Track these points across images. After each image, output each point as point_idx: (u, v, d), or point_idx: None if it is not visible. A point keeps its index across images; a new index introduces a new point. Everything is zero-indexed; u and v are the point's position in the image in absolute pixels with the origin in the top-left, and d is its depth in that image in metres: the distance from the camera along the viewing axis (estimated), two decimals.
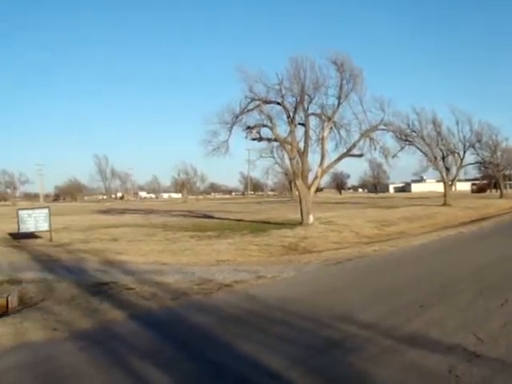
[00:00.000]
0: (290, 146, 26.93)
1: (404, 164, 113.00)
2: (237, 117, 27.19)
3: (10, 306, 9.65)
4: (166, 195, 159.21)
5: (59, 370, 5.22)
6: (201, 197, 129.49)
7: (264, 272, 11.93)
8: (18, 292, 10.28)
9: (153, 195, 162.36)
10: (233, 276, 11.38)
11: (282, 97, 26.94)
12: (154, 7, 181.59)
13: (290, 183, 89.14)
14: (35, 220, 20.54)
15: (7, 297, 9.81)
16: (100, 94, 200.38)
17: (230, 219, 33.13)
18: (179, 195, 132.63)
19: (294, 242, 19.08)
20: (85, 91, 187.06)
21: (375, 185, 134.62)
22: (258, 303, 8.54)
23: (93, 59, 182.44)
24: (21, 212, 20.77)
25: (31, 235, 21.01)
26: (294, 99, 27.17)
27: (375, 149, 28.87)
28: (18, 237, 20.79)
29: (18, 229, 20.47)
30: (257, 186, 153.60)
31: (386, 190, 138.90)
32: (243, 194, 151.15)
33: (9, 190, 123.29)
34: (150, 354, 5.74)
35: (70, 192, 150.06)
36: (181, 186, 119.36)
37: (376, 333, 6.34)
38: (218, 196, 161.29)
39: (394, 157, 31.31)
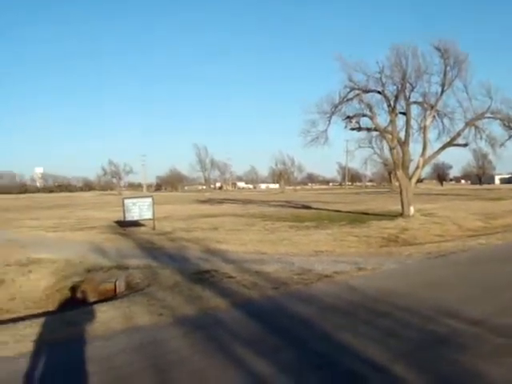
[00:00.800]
0: (390, 136, 26.28)
1: None
2: (336, 106, 26.93)
3: (117, 290, 10.27)
4: (263, 185, 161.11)
5: (166, 354, 5.46)
6: (298, 187, 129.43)
7: (364, 263, 11.76)
8: (125, 277, 10.90)
9: (250, 185, 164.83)
10: (332, 267, 11.32)
11: (383, 85, 26.26)
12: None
13: (389, 174, 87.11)
14: (139, 209, 21.58)
15: (115, 282, 10.44)
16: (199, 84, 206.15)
17: (327, 210, 32.90)
18: (276, 185, 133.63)
19: (394, 233, 18.62)
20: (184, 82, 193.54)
21: (479, 176, 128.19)
22: (359, 294, 8.45)
23: (197, 47, 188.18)
24: (126, 201, 21.88)
25: (136, 223, 22.10)
26: (395, 87, 26.38)
27: (481, 138, 27.35)
28: (124, 225, 21.95)
29: (124, 217, 21.59)
30: (355, 177, 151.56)
31: (492, 181, 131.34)
32: (341, 184, 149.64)
33: (114, 180, 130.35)
34: (253, 342, 5.86)
35: (170, 182, 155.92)
36: (278, 176, 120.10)
37: (486, 330, 6.05)
38: (315, 186, 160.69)
39: (501, 146, 29.41)
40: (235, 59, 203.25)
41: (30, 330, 6.25)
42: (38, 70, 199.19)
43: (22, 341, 5.79)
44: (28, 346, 5.60)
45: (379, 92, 26.47)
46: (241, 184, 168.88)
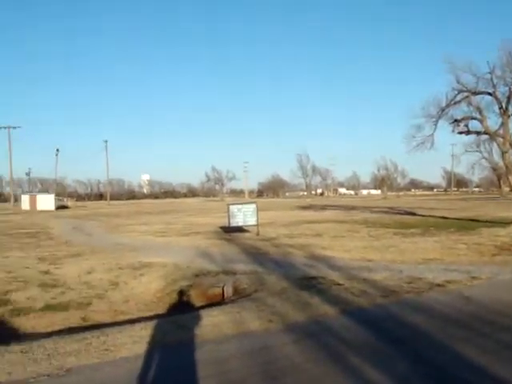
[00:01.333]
0: (501, 139, 24.96)
1: None
2: (443, 110, 26.09)
3: (225, 295, 10.47)
4: (365, 191, 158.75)
5: (277, 360, 5.47)
6: (401, 193, 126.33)
7: (477, 272, 11.19)
8: (233, 282, 11.10)
9: (352, 192, 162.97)
10: (443, 275, 10.87)
11: (494, 86, 25.04)
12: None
13: (498, 179, 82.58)
14: (244, 214, 21.98)
15: (223, 286, 10.66)
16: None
17: (433, 216, 31.80)
18: (378, 191, 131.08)
19: (508, 241, 17.57)
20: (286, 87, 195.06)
21: None
22: (474, 305, 8.04)
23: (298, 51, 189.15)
24: (231, 207, 22.36)
25: (240, 229, 22.52)
26: (507, 88, 25.09)
27: None
28: (229, 230, 22.43)
29: (229, 223, 22.09)
30: (460, 183, 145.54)
31: None
32: (445, 190, 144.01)
33: (217, 187, 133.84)
34: (365, 351, 5.73)
35: (272, 188, 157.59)
36: (380, 182, 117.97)
37: None
38: (418, 192, 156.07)
39: None
40: (335, 63, 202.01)
41: (145, 332, 6.51)
42: (152, 86, 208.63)
43: (138, 342, 6.04)
44: (144, 348, 5.83)
45: (489, 93, 25.31)
46: (342, 190, 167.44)
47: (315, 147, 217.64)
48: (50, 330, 8.70)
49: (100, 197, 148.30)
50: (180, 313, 8.75)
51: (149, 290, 11.55)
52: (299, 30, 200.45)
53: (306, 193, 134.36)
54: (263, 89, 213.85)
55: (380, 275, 11.07)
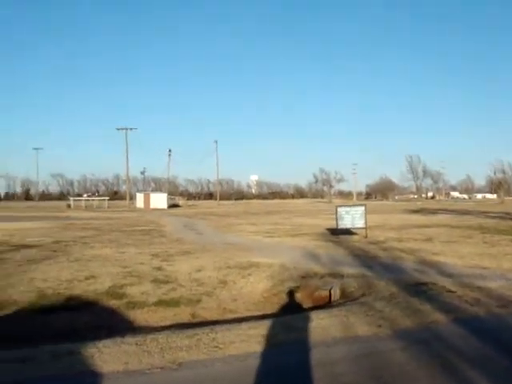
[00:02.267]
0: None
1: None
2: None
3: (332, 298, 10.41)
4: (479, 195, 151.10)
5: (386, 366, 5.33)
6: None
7: None
8: (340, 285, 11.00)
9: (465, 196, 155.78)
10: None
11: None
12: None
13: None
14: (352, 217, 21.70)
15: (330, 289, 10.60)
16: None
17: None
18: (494, 196, 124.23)
19: None
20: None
21: None
22: None
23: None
24: (339, 209, 22.18)
25: (348, 231, 22.27)
26: None
27: None
28: (336, 232, 22.23)
29: (336, 225, 21.94)
30: None
31: None
32: None
33: (325, 188, 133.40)
34: (481, 362, 5.42)
35: (380, 190, 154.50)
36: (497, 185, 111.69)
37: None
38: None
39: None
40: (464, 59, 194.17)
41: (254, 331, 6.60)
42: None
43: (246, 341, 6.15)
44: (253, 347, 5.91)
45: None
46: (454, 194, 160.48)
47: (426, 148, 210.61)
48: (161, 324, 9.08)
49: (210, 196, 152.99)
50: (287, 314, 8.80)
51: (256, 290, 11.72)
52: None
53: (416, 196, 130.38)
54: (371, 89, 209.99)
55: (496, 284, 10.48)
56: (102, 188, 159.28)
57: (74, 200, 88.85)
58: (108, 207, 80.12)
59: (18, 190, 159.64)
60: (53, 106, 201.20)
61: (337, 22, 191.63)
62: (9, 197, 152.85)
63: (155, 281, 12.10)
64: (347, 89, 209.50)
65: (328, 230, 24.92)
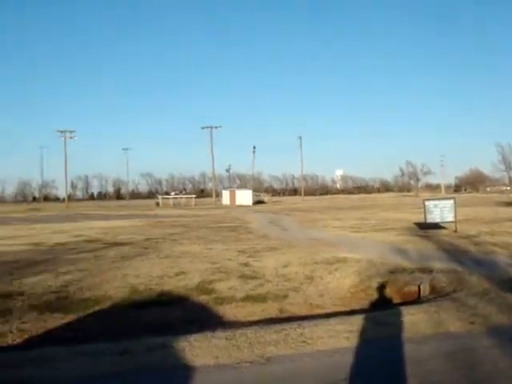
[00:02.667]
0: None
1: None
2: None
3: (421, 293, 10.16)
4: None
5: (479, 364, 5.12)
6: None
7: None
8: (429, 281, 10.72)
9: None
10: None
11: None
12: None
13: None
14: (441, 211, 21.05)
15: (419, 284, 10.34)
16: None
17: None
18: None
19: None
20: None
21: None
22: None
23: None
24: (427, 203, 21.60)
25: (436, 225, 21.61)
26: None
27: None
28: (424, 226, 21.65)
29: (425, 219, 21.36)
30: None
31: None
32: None
33: (412, 181, 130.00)
34: None
35: (470, 182, 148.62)
36: None
37: None
38: None
39: None
40: None
41: (342, 327, 6.56)
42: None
43: (334, 336, 6.12)
44: (341, 342, 5.88)
45: None
46: None
47: None
48: (249, 319, 9.22)
49: (294, 192, 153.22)
50: (376, 309, 8.69)
51: (343, 285, 11.64)
52: None
53: (508, 188, 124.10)
54: (460, 76, 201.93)
55: None
56: (189, 186, 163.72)
57: (163, 198, 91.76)
58: (195, 205, 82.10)
59: (110, 189, 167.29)
60: (141, 107, 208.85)
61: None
62: (101, 196, 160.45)
63: (242, 276, 12.29)
64: (433, 77, 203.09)
65: (416, 224, 24.29)
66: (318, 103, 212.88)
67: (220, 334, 6.37)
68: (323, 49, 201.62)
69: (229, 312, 9.90)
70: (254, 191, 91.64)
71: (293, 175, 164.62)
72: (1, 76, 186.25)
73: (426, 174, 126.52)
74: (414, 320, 6.83)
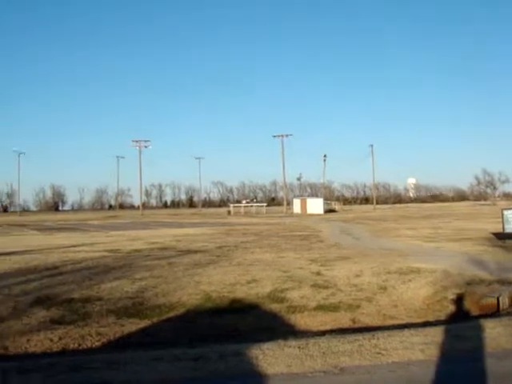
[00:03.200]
0: None
1: None
2: None
3: (500, 306, 9.74)
4: None
5: None
6: None
7: None
8: (509, 293, 10.26)
9: None
10: None
11: None
12: None
13: None
14: None
15: (498, 297, 9.93)
16: None
17: None
18: None
19: None
20: None
21: None
22: None
23: None
24: (506, 212, 20.74)
25: None
26: None
27: None
28: (502, 237, 20.78)
29: (503, 229, 20.51)
30: None
31: None
32: None
33: (488, 190, 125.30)
34: None
35: None
36: None
37: None
38: None
39: None
40: None
41: (417, 339, 6.40)
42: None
43: (410, 348, 5.97)
44: (416, 355, 5.72)
45: None
46: None
47: None
48: (321, 328, 9.14)
49: (366, 200, 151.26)
50: (452, 321, 8.42)
51: (417, 296, 11.35)
52: None
53: None
54: None
55: None
56: (260, 194, 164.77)
57: (234, 206, 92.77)
58: (266, 213, 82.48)
59: (183, 197, 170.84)
60: (214, 116, 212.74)
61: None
62: (174, 204, 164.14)
63: (314, 285, 12.23)
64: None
65: (493, 234, 23.36)
66: (389, 111, 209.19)
67: (292, 342, 6.35)
68: (397, 59, 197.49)
69: (300, 321, 9.87)
70: (324, 200, 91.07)
71: (364, 184, 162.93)
72: (80, 90, 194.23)
73: (503, 182, 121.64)
74: (493, 334, 6.56)
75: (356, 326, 9.39)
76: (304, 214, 77.12)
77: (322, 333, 7.99)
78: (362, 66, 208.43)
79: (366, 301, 10.98)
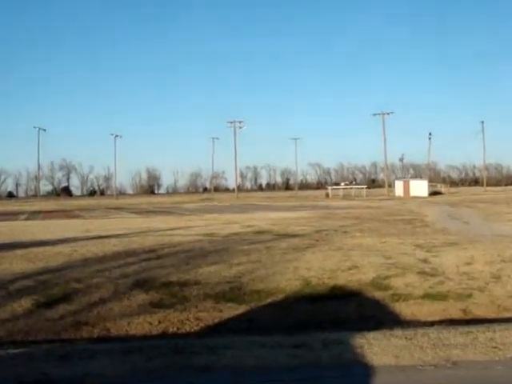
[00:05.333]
0: None
1: None
2: None
3: None
4: None
5: None
6: None
7: None
8: None
9: None
10: None
11: None
12: None
13: None
14: None
15: None
16: None
17: None
18: None
19: None
20: None
21: None
22: None
23: None
24: None
25: None
26: None
27: None
28: None
29: None
30: None
31: None
32: None
33: None
34: None
35: None
36: None
37: None
38: None
39: None
40: None
41: None
42: None
43: None
44: None
45: None
46: None
47: None
48: (429, 319, 8.94)
49: (475, 182, 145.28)
50: None
51: None
52: None
53: None
54: None
55: None
56: (359, 176, 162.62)
57: (332, 189, 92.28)
58: (366, 196, 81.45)
59: (278, 179, 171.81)
60: (310, 96, 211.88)
61: None
62: (270, 186, 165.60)
63: (420, 273, 11.94)
64: None
65: None
66: (501, 83, 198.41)
67: (399, 332, 6.25)
68: None
69: (406, 310, 9.68)
70: (429, 181, 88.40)
71: (473, 165, 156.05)
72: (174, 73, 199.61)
73: None
74: None
75: (467, 317, 9.09)
76: (407, 196, 75.30)
77: (431, 323, 7.82)
78: (469, 38, 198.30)
79: (477, 290, 10.55)
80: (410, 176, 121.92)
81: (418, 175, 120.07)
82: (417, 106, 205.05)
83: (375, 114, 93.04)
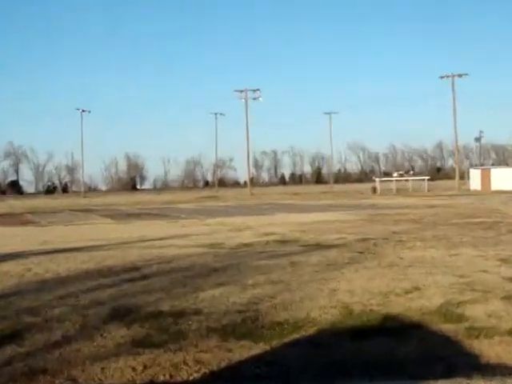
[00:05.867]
0: None
1: None
2: None
3: None
4: None
5: None
6: None
7: None
8: None
9: None
10: None
11: None
12: None
13: None
14: None
15: None
16: None
17: None
18: None
19: None
20: None
21: None
22: None
23: None
24: None
25: None
26: None
27: None
28: None
29: None
30: None
31: None
32: None
33: None
34: None
35: None
36: None
37: None
38: None
39: None
40: None
41: None
42: None
43: None
44: None
45: None
46: None
47: None
48: None
49: None
50: None
51: None
52: None
53: None
54: None
55: None
56: (418, 163, 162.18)
57: (381, 181, 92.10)
58: (428, 190, 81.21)
59: (307, 168, 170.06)
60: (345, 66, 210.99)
61: None
62: (295, 178, 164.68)
63: (508, 298, 11.83)
64: None
65: None
66: None
67: (480, 382, 6.19)
68: None
69: (488, 350, 9.54)
70: None
71: None
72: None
73: None
74: None
75: None
76: (487, 190, 74.98)
77: None
78: None
79: None
80: (491, 162, 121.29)
81: (501, 161, 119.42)
82: (497, 69, 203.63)
83: (442, 77, 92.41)
